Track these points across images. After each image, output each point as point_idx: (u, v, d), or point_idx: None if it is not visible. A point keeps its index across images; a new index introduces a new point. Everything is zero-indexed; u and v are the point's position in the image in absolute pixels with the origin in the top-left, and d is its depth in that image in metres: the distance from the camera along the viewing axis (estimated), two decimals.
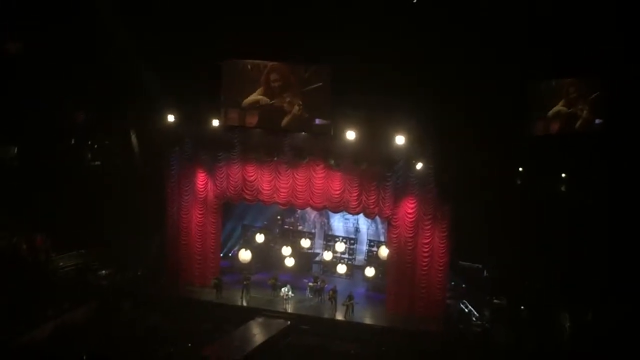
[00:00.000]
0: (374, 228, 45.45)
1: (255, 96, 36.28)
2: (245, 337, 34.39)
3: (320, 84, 35.30)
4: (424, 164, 36.17)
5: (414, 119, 34.94)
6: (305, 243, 45.03)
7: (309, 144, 37.54)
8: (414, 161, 36.20)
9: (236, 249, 45.39)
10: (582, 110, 36.17)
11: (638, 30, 33.97)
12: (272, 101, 36.05)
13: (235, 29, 35.54)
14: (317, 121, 35.88)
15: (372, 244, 44.90)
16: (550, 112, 36.07)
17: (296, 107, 35.74)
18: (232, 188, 39.53)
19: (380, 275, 41.36)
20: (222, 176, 39.58)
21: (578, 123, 36.60)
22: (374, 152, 36.48)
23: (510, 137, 36.01)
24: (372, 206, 38.02)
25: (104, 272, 40.37)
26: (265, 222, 46.89)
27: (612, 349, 32.27)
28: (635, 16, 34.08)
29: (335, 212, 41.98)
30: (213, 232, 41.06)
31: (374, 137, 35.74)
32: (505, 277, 39.67)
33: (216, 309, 37.89)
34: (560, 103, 35.98)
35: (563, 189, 42.02)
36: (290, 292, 38.17)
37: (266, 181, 38.99)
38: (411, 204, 37.41)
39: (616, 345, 32.47)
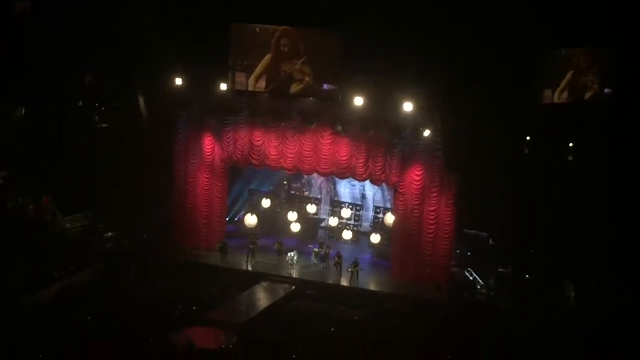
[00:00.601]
0: (381, 195, 45.54)
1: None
2: (250, 301, 34.60)
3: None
4: (431, 132, 36.16)
5: (423, 86, 34.84)
6: (311, 209, 45.10)
7: (317, 109, 37.48)
8: (421, 128, 36.25)
9: (242, 213, 45.61)
10: (593, 81, 35.98)
11: None
12: (282, 72, 36.03)
13: None
14: (325, 86, 35.84)
15: (378, 210, 44.97)
16: (560, 82, 35.90)
17: (307, 78, 35.66)
18: (239, 152, 39.54)
19: (385, 242, 41.46)
20: (229, 140, 39.59)
21: (588, 94, 36.43)
22: (381, 118, 36.49)
23: (519, 106, 35.85)
24: (379, 173, 38.04)
25: (110, 234, 40.43)
26: (271, 187, 47.05)
27: (616, 318, 32.32)
28: None
29: (342, 178, 41.99)
30: (219, 196, 41.16)
31: (382, 104, 35.73)
32: (510, 246, 39.67)
33: (222, 273, 38.08)
34: (570, 73, 35.80)
35: (570, 158, 41.87)
36: (295, 258, 38.27)
37: (273, 146, 39.01)
38: (418, 171, 37.44)
39: (621, 315, 32.53)
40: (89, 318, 28.19)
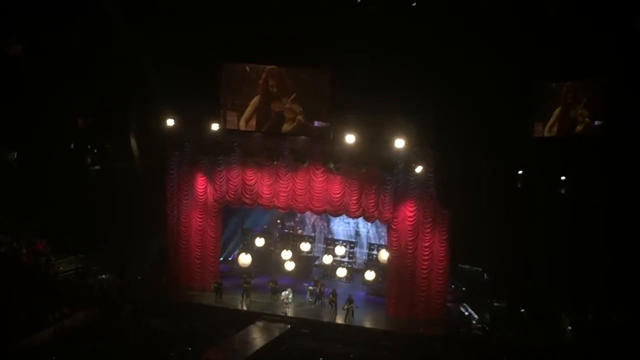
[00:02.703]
0: (374, 231, 45.54)
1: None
2: (245, 340, 34.42)
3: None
4: (423, 167, 36.21)
5: (414, 122, 35.00)
6: (305, 247, 44.96)
7: (309, 147, 37.56)
8: (413, 164, 36.26)
9: (236, 252, 45.52)
10: (582, 115, 36.10)
11: (633, 32, 33.94)
12: (272, 112, 36.17)
13: (235, 32, 35.57)
14: (316, 124, 35.97)
15: (372, 247, 44.94)
16: (550, 115, 36.00)
17: (299, 117, 35.78)
18: (231, 192, 39.55)
19: (380, 279, 41.39)
20: (221, 180, 39.61)
21: (579, 127, 36.51)
22: (373, 155, 36.50)
23: (511, 140, 35.99)
24: (371, 209, 38.06)
25: (104, 276, 40.38)
26: (265, 226, 47.01)
27: (612, 350, 32.23)
28: (631, 18, 34.05)
29: (335, 215, 41.98)
30: (213, 235, 41.07)
31: (374, 140, 35.84)
32: (505, 280, 39.62)
33: (216, 312, 37.94)
34: (559, 107, 35.91)
35: (563, 191, 41.97)
36: (290, 296, 38.12)
37: (266, 185, 39.04)
38: (411, 207, 37.48)
39: (617, 347, 32.44)
40: None
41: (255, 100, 36.33)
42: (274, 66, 35.82)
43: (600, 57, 34.36)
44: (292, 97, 35.79)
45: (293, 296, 38.43)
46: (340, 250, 44.84)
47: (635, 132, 35.60)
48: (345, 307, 37.08)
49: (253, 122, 36.68)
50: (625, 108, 34.86)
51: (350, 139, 35.53)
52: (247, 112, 36.55)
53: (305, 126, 36.22)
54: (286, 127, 36.45)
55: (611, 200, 37.75)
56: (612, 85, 34.96)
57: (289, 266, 42.97)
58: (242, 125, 36.78)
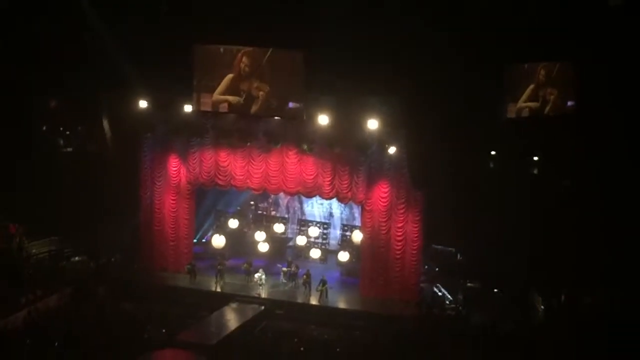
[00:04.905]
0: (348, 212, 45.52)
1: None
2: (219, 322, 34.50)
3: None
4: (397, 148, 36.22)
5: (387, 103, 34.99)
6: (278, 228, 44.98)
7: (283, 129, 37.48)
8: (387, 145, 36.24)
9: (210, 234, 45.35)
10: (551, 94, 36.24)
11: (607, 13, 34.11)
12: (242, 91, 35.89)
13: (209, 13, 35.41)
14: (290, 105, 35.78)
15: (345, 228, 44.90)
16: (522, 96, 36.08)
17: (261, 93, 35.49)
18: (205, 174, 39.51)
19: (354, 260, 41.38)
20: (195, 162, 39.55)
21: (548, 107, 36.62)
22: (347, 136, 36.46)
23: (483, 121, 36.04)
24: (345, 191, 38.08)
25: (77, 258, 40.23)
26: (238, 208, 46.84)
27: (585, 330, 32.46)
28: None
29: (309, 197, 42.06)
30: (186, 217, 41.04)
31: (347, 121, 35.80)
32: (478, 260, 39.80)
33: (190, 294, 38.00)
34: (531, 87, 36.01)
35: (535, 172, 42.14)
36: (264, 277, 38.11)
37: (239, 167, 38.99)
38: (384, 188, 37.51)
39: (589, 326, 32.68)
40: (56, 342, 28.02)
41: (227, 78, 36.04)
42: (248, 48, 35.60)
43: (571, 39, 34.53)
44: (258, 74, 35.52)
45: (267, 277, 38.43)
46: (314, 231, 44.85)
47: (607, 113, 35.85)
48: (319, 288, 37.17)
49: (225, 100, 36.35)
50: (597, 89, 35.06)
51: (323, 119, 35.49)
52: (219, 89, 36.20)
53: (275, 106, 36.02)
54: (254, 107, 36.16)
55: (583, 182, 38.00)
56: (582, 67, 35.16)
57: (263, 247, 42.98)
58: (214, 97, 36.36)
